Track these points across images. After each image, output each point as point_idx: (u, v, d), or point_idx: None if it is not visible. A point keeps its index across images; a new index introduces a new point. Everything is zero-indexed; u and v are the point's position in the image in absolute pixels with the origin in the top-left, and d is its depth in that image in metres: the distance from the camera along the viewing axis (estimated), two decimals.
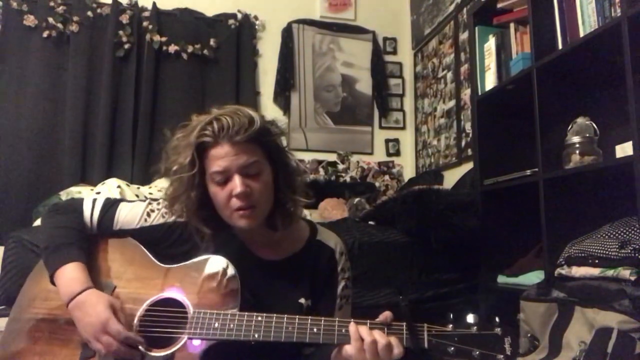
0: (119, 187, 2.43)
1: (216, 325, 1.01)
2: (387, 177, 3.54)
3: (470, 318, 0.94)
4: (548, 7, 1.84)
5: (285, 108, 3.58)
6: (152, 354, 1.03)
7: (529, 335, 1.53)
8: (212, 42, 3.41)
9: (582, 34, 1.69)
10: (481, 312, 0.96)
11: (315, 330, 0.97)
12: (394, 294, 2.04)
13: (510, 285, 1.99)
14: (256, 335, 0.99)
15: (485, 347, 0.91)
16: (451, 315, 0.95)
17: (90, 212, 1.18)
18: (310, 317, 0.99)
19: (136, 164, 3.14)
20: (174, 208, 1.13)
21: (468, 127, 2.93)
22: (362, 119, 3.74)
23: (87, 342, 1.04)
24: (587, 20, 1.68)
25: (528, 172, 1.90)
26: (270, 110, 3.47)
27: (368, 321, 0.96)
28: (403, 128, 3.80)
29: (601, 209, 1.73)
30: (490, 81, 2.19)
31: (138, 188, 2.58)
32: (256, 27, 3.58)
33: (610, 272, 1.49)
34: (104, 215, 1.18)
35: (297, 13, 3.68)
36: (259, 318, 1.00)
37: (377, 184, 3.47)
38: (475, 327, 0.93)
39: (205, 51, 3.39)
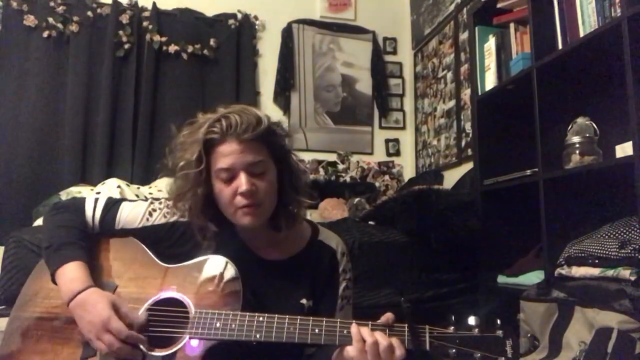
0: (119, 187, 2.43)
1: (218, 325, 1.01)
2: (387, 177, 3.54)
3: (471, 320, 0.94)
4: (548, 7, 1.84)
5: (285, 108, 3.58)
6: (153, 353, 1.03)
7: (529, 335, 1.54)
8: (212, 42, 3.41)
9: (582, 34, 1.69)
10: (481, 312, 0.95)
11: (316, 331, 0.97)
12: (394, 294, 2.04)
13: (510, 285, 1.99)
14: (258, 336, 0.99)
15: (486, 349, 0.91)
16: (453, 317, 0.95)
17: (92, 211, 1.18)
18: (311, 317, 0.99)
19: (136, 164, 3.14)
20: (178, 205, 1.13)
21: (468, 127, 2.93)
22: (362, 119, 3.74)
23: (88, 341, 1.04)
24: (587, 20, 1.68)
25: (528, 172, 1.90)
26: (270, 110, 3.47)
27: (370, 322, 0.96)
28: (403, 128, 3.80)
29: (601, 209, 1.73)
30: (490, 81, 2.19)
31: (138, 188, 2.58)
32: (256, 27, 3.58)
33: (610, 272, 1.49)
34: (106, 214, 1.18)
35: (297, 13, 3.68)
36: (261, 318, 1.00)
37: (377, 184, 3.46)
38: (476, 329, 0.93)
39: (205, 51, 3.39)
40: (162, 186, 2.52)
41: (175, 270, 1.12)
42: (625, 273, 1.44)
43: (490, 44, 2.19)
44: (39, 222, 2.19)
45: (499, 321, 0.93)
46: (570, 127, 1.74)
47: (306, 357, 1.15)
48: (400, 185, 3.49)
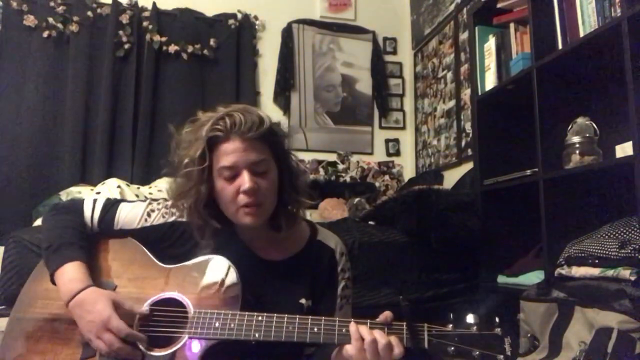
0: (119, 187, 2.43)
1: (217, 324, 1.01)
2: (387, 177, 3.54)
3: (470, 318, 0.94)
4: (548, 7, 1.84)
5: (285, 108, 3.58)
6: (153, 353, 1.03)
7: (529, 335, 1.54)
8: (212, 42, 3.41)
9: (582, 34, 1.69)
10: (481, 312, 0.95)
11: (315, 330, 0.97)
12: (394, 294, 2.04)
13: (510, 285, 1.99)
14: (257, 335, 0.99)
15: (485, 347, 0.91)
16: (451, 315, 0.95)
17: (91, 212, 1.18)
18: (310, 317, 0.99)
19: (136, 164, 3.14)
20: (179, 204, 1.12)
21: (468, 127, 2.93)
22: (362, 119, 3.74)
23: (88, 341, 1.04)
24: (587, 20, 1.68)
25: (528, 172, 1.90)
26: (270, 110, 3.47)
27: (368, 321, 0.96)
28: (403, 128, 3.80)
29: (601, 209, 1.73)
30: (490, 81, 2.19)
31: (138, 188, 2.58)
32: (256, 27, 3.58)
33: (610, 272, 1.49)
34: (105, 215, 1.18)
35: (297, 13, 3.68)
36: (260, 318, 1.00)
37: (377, 184, 3.47)
38: (475, 327, 0.93)
39: (205, 51, 3.39)
40: (162, 186, 2.53)
41: (174, 271, 1.12)
42: (625, 273, 1.44)
43: (490, 44, 2.19)
44: (39, 222, 2.19)
45: (497, 319, 0.93)
46: (570, 127, 1.74)
47: (305, 357, 1.15)
48: (400, 185, 3.49)
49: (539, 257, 1.92)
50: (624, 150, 1.54)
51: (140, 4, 3.34)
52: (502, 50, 2.17)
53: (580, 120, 1.73)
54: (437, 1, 3.40)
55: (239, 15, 3.53)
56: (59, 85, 3.12)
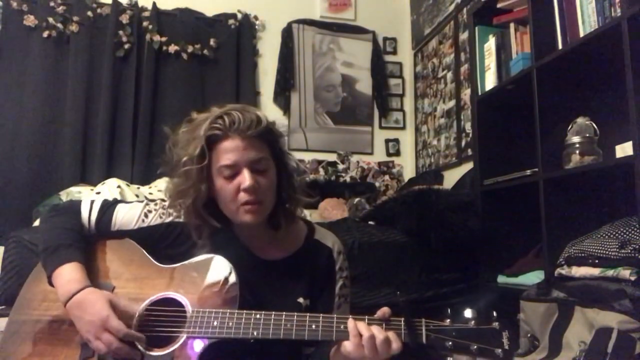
0: (119, 187, 2.43)
1: (215, 323, 1.01)
2: (387, 177, 3.54)
3: (467, 313, 0.94)
4: (548, 7, 1.84)
5: (285, 108, 3.58)
6: (152, 353, 1.03)
7: (529, 335, 1.54)
8: (212, 42, 3.41)
9: (582, 34, 1.69)
10: (479, 306, 0.95)
11: (313, 327, 0.97)
12: (394, 294, 2.04)
13: (510, 285, 1.99)
14: (255, 333, 0.99)
15: (483, 341, 0.91)
16: (449, 310, 0.95)
17: (88, 213, 1.18)
18: (308, 314, 0.99)
19: (136, 164, 3.14)
20: (177, 203, 1.12)
21: (468, 127, 2.93)
22: (362, 119, 3.73)
23: (86, 342, 1.04)
24: (587, 20, 1.68)
25: (528, 172, 1.90)
26: (270, 110, 3.47)
27: (366, 317, 0.96)
28: (403, 128, 3.80)
29: (601, 209, 1.73)
30: (490, 81, 2.19)
31: (138, 188, 2.58)
32: (256, 27, 3.58)
33: (610, 272, 1.49)
34: (102, 216, 1.18)
35: (297, 13, 3.68)
36: (258, 316, 1.00)
37: (377, 184, 3.47)
38: (473, 322, 0.93)
39: (205, 51, 3.39)
40: (162, 186, 2.52)
41: (173, 271, 1.12)
42: (625, 273, 1.44)
43: (490, 44, 2.19)
44: (39, 222, 2.19)
45: (495, 313, 0.93)
46: (570, 127, 1.74)
47: (305, 356, 1.15)
48: (400, 185, 3.49)
49: (539, 257, 1.92)
50: (624, 150, 1.54)
51: (140, 4, 3.34)
52: (502, 50, 2.17)
53: (580, 120, 1.73)
54: (437, 1, 3.40)
55: (239, 15, 3.53)
56: (59, 85, 3.13)
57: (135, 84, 3.22)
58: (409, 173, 3.69)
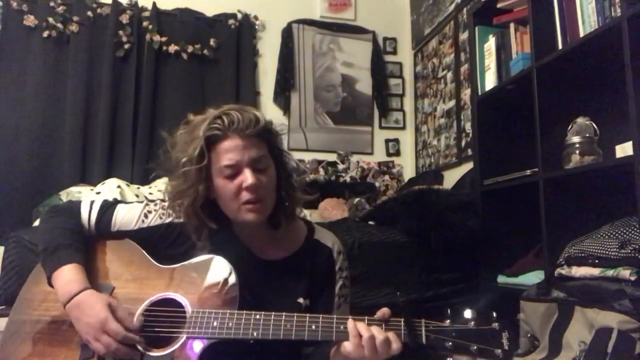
0: (119, 187, 2.43)
1: (215, 324, 1.01)
2: (387, 177, 3.55)
3: (467, 313, 0.94)
4: (548, 7, 1.84)
5: (285, 108, 3.58)
6: (151, 353, 1.03)
7: (529, 335, 1.54)
8: (212, 42, 3.41)
9: (582, 34, 1.69)
10: (479, 309, 0.95)
11: (313, 327, 0.97)
12: (394, 294, 2.04)
13: (510, 285, 1.99)
14: (255, 334, 0.99)
15: (483, 342, 0.91)
16: (449, 311, 0.95)
17: (88, 214, 1.18)
18: (308, 314, 0.99)
19: (136, 164, 3.14)
20: (176, 204, 1.12)
21: (468, 127, 2.93)
22: (362, 119, 3.74)
23: (86, 343, 1.04)
24: (587, 20, 1.68)
25: (528, 172, 1.90)
26: (270, 110, 3.47)
27: (366, 317, 0.96)
28: (403, 128, 3.80)
29: (601, 209, 1.73)
30: (490, 81, 2.19)
31: (138, 188, 2.58)
32: (256, 27, 3.58)
33: (610, 272, 1.49)
34: (102, 217, 1.18)
35: (297, 13, 3.68)
36: (258, 316, 1.00)
37: (377, 184, 3.47)
38: (472, 323, 0.93)
39: (205, 51, 3.39)
40: (162, 186, 2.52)
41: (172, 271, 1.12)
42: (625, 273, 1.44)
43: (490, 44, 2.19)
44: (39, 222, 2.19)
45: (494, 314, 0.93)
46: (570, 127, 1.74)
47: (304, 356, 1.15)
48: (400, 185, 3.49)
49: (539, 257, 1.91)
50: (624, 150, 1.54)
51: (140, 4, 3.34)
52: (502, 50, 2.17)
53: (580, 120, 1.73)
54: (437, 1, 3.40)
55: (239, 15, 3.53)
56: (59, 85, 3.13)
57: (135, 84, 3.23)
58: (409, 173, 3.69)
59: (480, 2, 2.35)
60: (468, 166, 2.77)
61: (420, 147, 3.62)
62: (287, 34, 3.63)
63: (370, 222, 2.36)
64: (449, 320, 0.94)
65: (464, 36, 3.04)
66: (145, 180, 2.91)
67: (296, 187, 1.18)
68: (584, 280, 1.57)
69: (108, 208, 1.19)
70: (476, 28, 2.29)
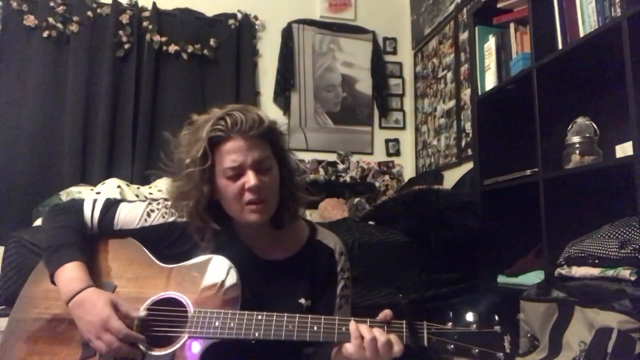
0: (119, 187, 2.43)
1: (216, 324, 1.01)
2: (387, 177, 3.55)
3: (469, 316, 0.94)
4: (548, 7, 1.84)
5: (285, 108, 3.58)
6: (153, 353, 1.03)
7: (529, 335, 1.54)
8: (212, 42, 3.41)
9: (582, 34, 1.69)
10: (481, 312, 0.96)
11: (315, 328, 0.97)
12: (394, 294, 2.04)
13: (510, 285, 1.99)
14: (256, 334, 0.99)
15: (484, 345, 0.91)
16: (451, 314, 0.95)
17: (91, 212, 1.18)
18: (310, 315, 0.99)
19: (136, 164, 3.14)
20: (179, 205, 1.12)
21: (468, 127, 2.93)
22: (362, 119, 3.74)
23: (87, 341, 1.04)
24: (587, 20, 1.68)
25: (528, 172, 1.90)
26: (270, 110, 3.47)
27: (368, 319, 0.97)
28: (403, 128, 3.80)
29: (601, 209, 1.73)
30: (490, 81, 2.19)
31: (138, 188, 2.58)
32: (256, 27, 3.58)
33: (610, 272, 1.49)
34: (105, 215, 1.18)
35: (297, 13, 3.68)
36: (259, 317, 1.00)
37: (377, 184, 3.47)
38: (474, 325, 0.93)
39: (205, 51, 3.39)
40: (162, 186, 2.52)
41: (174, 270, 1.12)
42: (625, 273, 1.44)
43: (490, 44, 2.19)
44: (39, 222, 2.19)
45: (496, 317, 0.93)
46: (570, 127, 1.74)
47: (305, 356, 1.15)
48: (400, 185, 3.49)
49: (539, 257, 1.92)
50: (624, 150, 1.54)
51: (140, 4, 3.34)
52: (502, 50, 2.17)
53: (580, 120, 1.73)
54: (437, 1, 3.40)
55: (239, 15, 3.53)
56: (59, 85, 3.13)
57: (135, 84, 3.23)
58: (409, 173, 3.69)
59: (480, 2, 2.35)
60: (468, 166, 2.77)
61: (420, 147, 3.62)
62: (287, 34, 3.63)
63: (370, 222, 2.36)
64: (450, 323, 0.94)
65: (464, 36, 3.05)
66: (145, 180, 2.91)
67: (300, 186, 1.18)
68: (584, 280, 1.57)
69: (111, 206, 1.19)
70: (476, 28, 2.29)
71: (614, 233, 1.57)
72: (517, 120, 2.11)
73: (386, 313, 0.97)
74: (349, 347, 0.95)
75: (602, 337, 1.28)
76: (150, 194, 2.52)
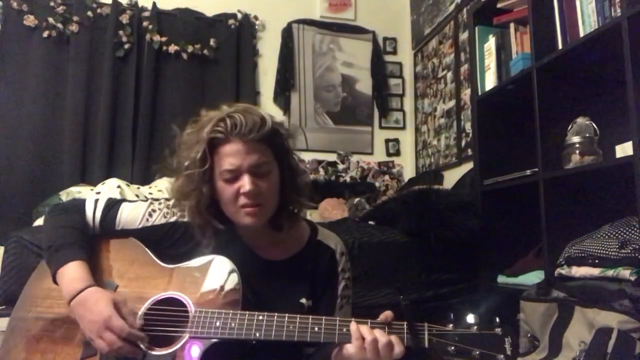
0: (119, 187, 2.43)
1: (217, 324, 1.01)
2: (387, 177, 3.55)
3: (470, 318, 0.94)
4: (548, 7, 1.84)
5: (285, 108, 3.58)
6: (154, 352, 1.03)
7: (529, 335, 1.54)
8: (212, 42, 3.41)
9: (582, 34, 1.69)
10: (481, 312, 0.96)
11: (316, 329, 0.97)
12: (394, 294, 2.04)
13: (510, 285, 1.99)
14: (257, 335, 0.99)
15: (485, 346, 0.91)
16: (452, 315, 0.95)
17: (93, 212, 1.18)
18: (311, 316, 1.00)
19: (136, 164, 3.14)
20: (181, 205, 1.13)
21: (468, 127, 2.93)
22: (362, 119, 3.74)
23: (89, 340, 1.04)
24: (587, 20, 1.68)
25: (528, 172, 1.90)
26: (270, 110, 3.43)
27: (369, 320, 0.97)
28: (403, 128, 3.80)
29: (601, 209, 1.73)
30: (490, 81, 2.19)
31: (138, 188, 2.58)
32: (256, 27, 3.58)
33: (610, 272, 1.49)
34: (106, 215, 1.18)
35: (297, 13, 3.68)
36: (260, 317, 1.00)
37: (377, 184, 3.47)
38: (475, 327, 0.93)
39: (205, 51, 3.39)
40: (162, 186, 2.53)
41: (176, 270, 1.12)
42: (625, 273, 1.44)
43: (490, 44, 2.19)
44: (39, 222, 2.19)
45: (497, 319, 0.93)
46: (570, 127, 1.74)
47: (306, 356, 1.16)
48: (400, 185, 3.49)
49: (539, 257, 1.91)
50: (624, 150, 1.54)
51: (140, 4, 3.34)
52: (502, 50, 2.17)
53: (580, 120, 1.73)
54: (437, 1, 3.40)
55: (239, 15, 3.53)
56: (59, 85, 3.13)
57: (135, 84, 3.23)
58: (409, 173, 3.69)
59: (480, 2, 2.35)
60: (468, 166, 2.77)
61: (420, 147, 3.62)
62: (287, 34, 3.64)
63: (370, 222, 2.36)
64: (451, 325, 0.94)
65: (464, 36, 3.05)
66: (145, 180, 2.91)
67: (302, 190, 1.17)
68: (584, 280, 1.57)
69: (113, 206, 1.19)
70: (476, 28, 2.29)
71: (614, 233, 1.57)
72: (517, 120, 2.11)
73: (387, 314, 0.97)
74: (350, 348, 0.95)
75: (602, 337, 1.28)
76: (150, 194, 2.52)
